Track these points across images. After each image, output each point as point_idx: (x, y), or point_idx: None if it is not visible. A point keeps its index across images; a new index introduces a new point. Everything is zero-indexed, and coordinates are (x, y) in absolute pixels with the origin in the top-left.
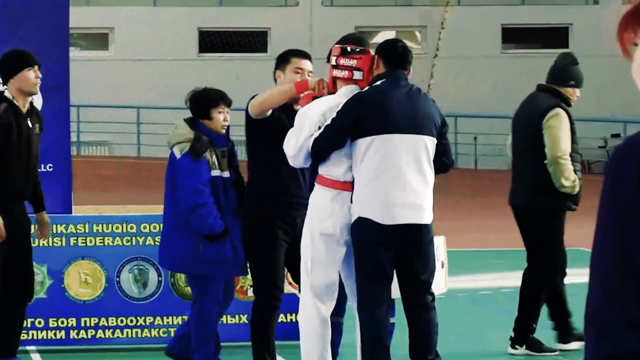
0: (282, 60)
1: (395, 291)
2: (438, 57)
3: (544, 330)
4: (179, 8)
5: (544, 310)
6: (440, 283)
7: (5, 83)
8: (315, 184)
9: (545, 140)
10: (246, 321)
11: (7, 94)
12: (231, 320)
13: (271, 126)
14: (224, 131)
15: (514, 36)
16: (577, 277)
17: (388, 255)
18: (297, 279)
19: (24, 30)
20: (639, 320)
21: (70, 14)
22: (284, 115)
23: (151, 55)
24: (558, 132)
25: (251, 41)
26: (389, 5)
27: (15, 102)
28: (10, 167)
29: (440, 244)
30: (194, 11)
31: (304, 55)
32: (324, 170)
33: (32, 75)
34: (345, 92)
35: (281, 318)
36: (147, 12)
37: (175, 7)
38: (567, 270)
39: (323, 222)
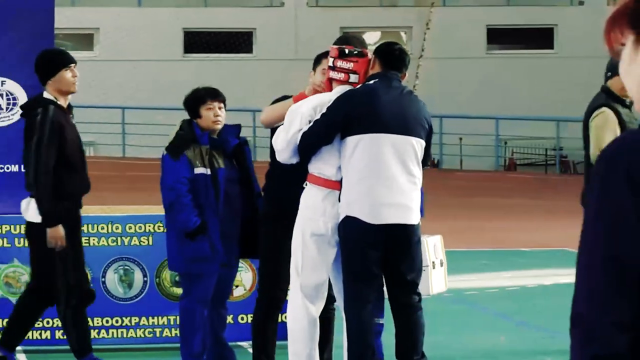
0: (316, 61)
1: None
2: (423, 57)
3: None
4: (164, 9)
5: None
6: (441, 282)
7: (43, 84)
8: (307, 182)
9: (590, 139)
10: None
11: (47, 95)
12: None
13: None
14: (218, 126)
15: (499, 37)
16: (562, 277)
17: (375, 255)
18: None
19: (10, 30)
20: (625, 321)
21: (55, 15)
22: None
23: (136, 56)
24: (600, 131)
25: (236, 41)
26: (374, 6)
27: (58, 102)
28: (73, 166)
29: (437, 243)
30: (179, 12)
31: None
32: (315, 168)
33: (69, 75)
34: (338, 92)
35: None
36: (132, 12)
37: (161, 8)
38: (553, 271)
39: (314, 222)
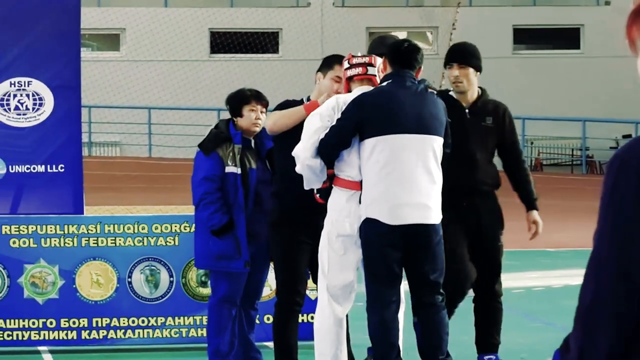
0: (327, 64)
1: None
2: None
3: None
4: (190, 9)
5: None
6: None
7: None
8: (333, 185)
9: None
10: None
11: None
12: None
13: (294, 130)
14: (257, 129)
15: (525, 37)
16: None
17: (396, 256)
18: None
19: (36, 31)
20: (627, 320)
21: (81, 15)
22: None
23: (162, 56)
24: None
25: (262, 42)
26: (400, 6)
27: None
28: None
29: None
30: (205, 12)
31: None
32: (339, 170)
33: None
34: (356, 93)
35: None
36: (158, 12)
37: (187, 8)
38: (579, 271)
39: (340, 223)
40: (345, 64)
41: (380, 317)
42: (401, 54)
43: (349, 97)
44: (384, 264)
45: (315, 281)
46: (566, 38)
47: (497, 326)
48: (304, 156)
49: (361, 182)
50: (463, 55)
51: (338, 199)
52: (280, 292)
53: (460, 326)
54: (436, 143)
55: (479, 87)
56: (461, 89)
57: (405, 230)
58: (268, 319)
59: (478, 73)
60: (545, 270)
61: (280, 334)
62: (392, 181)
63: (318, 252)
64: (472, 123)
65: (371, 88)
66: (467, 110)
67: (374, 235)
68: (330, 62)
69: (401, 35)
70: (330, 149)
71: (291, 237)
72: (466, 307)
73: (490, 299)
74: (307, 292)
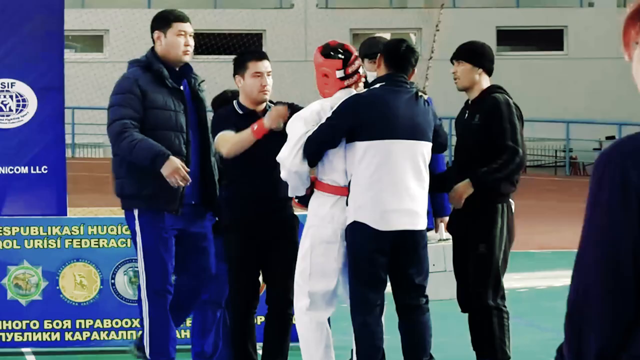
0: (240, 66)
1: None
2: (433, 59)
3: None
4: None
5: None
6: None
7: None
8: (315, 190)
9: None
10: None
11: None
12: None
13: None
14: None
15: (508, 38)
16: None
17: (383, 261)
18: (268, 279)
19: (20, 33)
20: (620, 315)
21: (65, 16)
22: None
23: None
24: None
25: (246, 43)
26: (384, 8)
27: None
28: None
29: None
30: (189, 13)
31: (260, 56)
32: (323, 174)
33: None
34: (340, 97)
35: None
36: (142, 14)
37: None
38: (563, 272)
39: (323, 229)
40: (340, 73)
41: (365, 320)
42: (398, 58)
43: (335, 100)
44: (371, 269)
45: (265, 279)
46: (550, 39)
47: (492, 339)
48: (291, 163)
49: (346, 186)
50: (458, 51)
51: (322, 205)
52: (234, 296)
53: (441, 328)
54: (426, 149)
55: (494, 85)
56: (458, 85)
57: (393, 235)
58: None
59: (480, 70)
60: (528, 272)
61: (237, 338)
62: (383, 186)
63: (271, 250)
64: (464, 121)
65: (354, 92)
66: (467, 110)
67: (363, 240)
68: (243, 62)
69: (385, 37)
70: (318, 145)
71: (244, 240)
72: (446, 310)
73: (477, 310)
74: None
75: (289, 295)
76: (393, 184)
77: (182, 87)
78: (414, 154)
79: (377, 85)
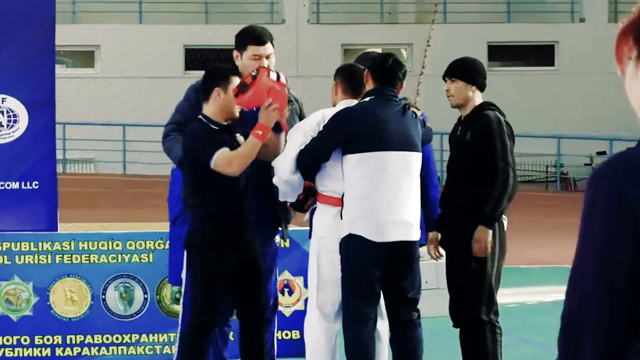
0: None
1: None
2: (424, 74)
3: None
4: (164, 25)
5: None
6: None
7: None
8: (317, 203)
9: None
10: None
11: None
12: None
13: None
14: None
15: (499, 54)
16: (561, 294)
17: (378, 274)
18: (240, 298)
19: (11, 48)
20: (614, 324)
21: (56, 32)
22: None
23: (137, 73)
24: None
25: None
26: (375, 23)
27: None
28: None
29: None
30: (180, 29)
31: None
32: (322, 185)
33: None
34: (342, 106)
35: (281, 335)
36: (133, 29)
37: (161, 25)
38: (553, 288)
39: (328, 240)
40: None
41: (359, 334)
42: (385, 73)
43: (334, 111)
44: (366, 282)
45: (235, 300)
46: (541, 55)
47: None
48: (283, 171)
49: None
50: (451, 68)
51: (325, 216)
52: (198, 314)
53: (433, 345)
54: (417, 160)
55: (486, 102)
56: (452, 103)
57: (388, 247)
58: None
59: (473, 87)
60: (518, 287)
61: (196, 356)
62: (377, 198)
63: (246, 266)
64: (457, 138)
65: (355, 102)
66: (459, 127)
67: (359, 252)
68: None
69: (377, 52)
70: (311, 159)
71: (213, 259)
72: (439, 327)
73: (470, 325)
74: (281, 308)
75: (262, 311)
76: (387, 196)
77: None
78: (406, 165)
79: (367, 99)
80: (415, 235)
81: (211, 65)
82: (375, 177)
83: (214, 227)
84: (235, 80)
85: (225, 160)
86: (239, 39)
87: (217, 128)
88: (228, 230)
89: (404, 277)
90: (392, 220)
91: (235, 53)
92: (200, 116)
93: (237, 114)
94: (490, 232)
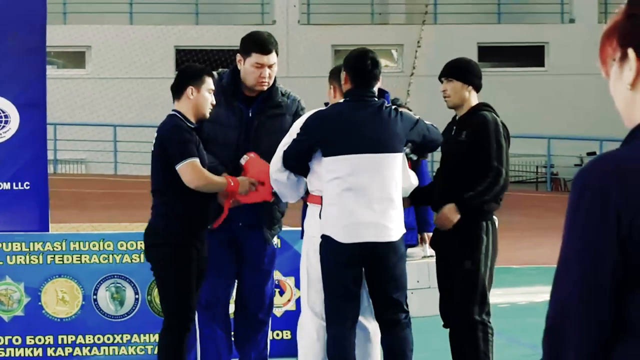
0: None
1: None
2: (415, 75)
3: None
4: (155, 26)
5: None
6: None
7: None
8: (307, 203)
9: None
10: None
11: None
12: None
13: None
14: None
15: (490, 54)
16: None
17: (352, 273)
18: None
19: (1, 49)
20: (598, 330)
21: (47, 32)
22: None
23: (128, 74)
24: None
25: (228, 59)
26: (365, 24)
27: None
28: None
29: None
30: (171, 29)
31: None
32: (310, 185)
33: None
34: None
35: (272, 335)
36: (124, 30)
37: (152, 26)
38: (543, 288)
39: (317, 239)
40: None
41: (335, 332)
42: (361, 74)
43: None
44: (338, 281)
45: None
46: (531, 56)
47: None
48: (272, 170)
49: None
50: (447, 68)
51: (313, 216)
52: (174, 315)
53: (423, 344)
54: (396, 161)
55: (482, 103)
56: (449, 103)
57: (360, 248)
58: (233, 335)
59: (469, 87)
60: (509, 287)
61: (174, 356)
62: (347, 200)
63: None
64: (451, 137)
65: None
66: (454, 127)
67: (328, 253)
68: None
69: None
70: (292, 160)
71: (188, 256)
72: (429, 326)
73: (462, 325)
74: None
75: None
76: (357, 198)
77: (247, 110)
78: (380, 168)
79: (342, 101)
80: (390, 236)
81: (185, 65)
82: (345, 180)
83: (183, 227)
84: (209, 81)
85: (196, 173)
86: (244, 44)
87: (191, 127)
88: (195, 229)
89: (384, 279)
90: (361, 222)
91: (238, 57)
92: (174, 112)
93: (208, 115)
94: (458, 215)
